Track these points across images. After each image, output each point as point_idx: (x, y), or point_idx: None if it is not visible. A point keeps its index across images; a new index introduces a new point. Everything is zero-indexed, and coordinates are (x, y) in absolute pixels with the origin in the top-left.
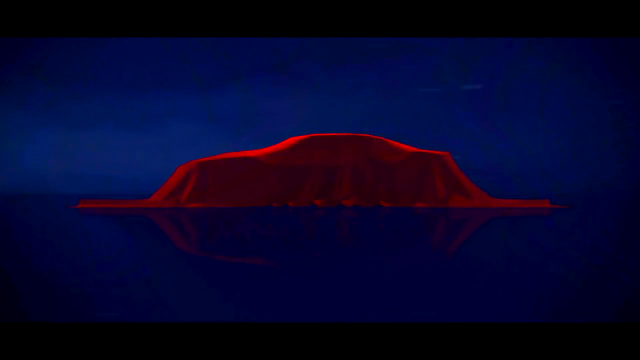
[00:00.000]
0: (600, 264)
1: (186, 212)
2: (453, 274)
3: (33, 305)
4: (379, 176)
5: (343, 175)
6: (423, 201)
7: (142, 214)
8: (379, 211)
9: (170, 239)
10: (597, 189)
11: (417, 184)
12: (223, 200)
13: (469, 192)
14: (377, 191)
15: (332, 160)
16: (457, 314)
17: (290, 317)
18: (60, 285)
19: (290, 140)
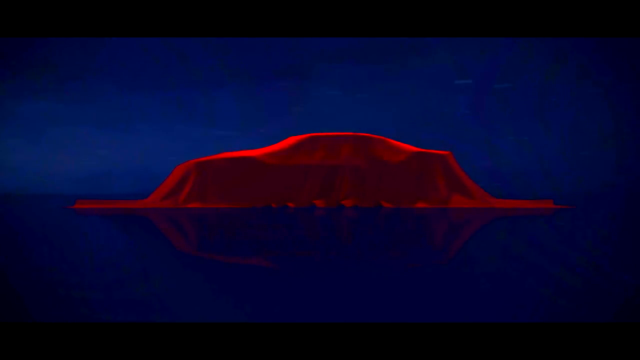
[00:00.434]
0: (612, 264)
1: (184, 213)
2: (458, 275)
3: (19, 305)
4: (379, 176)
5: (343, 175)
6: (424, 201)
7: (139, 214)
8: (379, 212)
9: (169, 240)
10: (597, 189)
11: (418, 184)
12: (222, 200)
13: (471, 193)
14: (378, 191)
15: (332, 160)
16: (463, 315)
17: (291, 317)
18: (49, 285)
19: (290, 140)
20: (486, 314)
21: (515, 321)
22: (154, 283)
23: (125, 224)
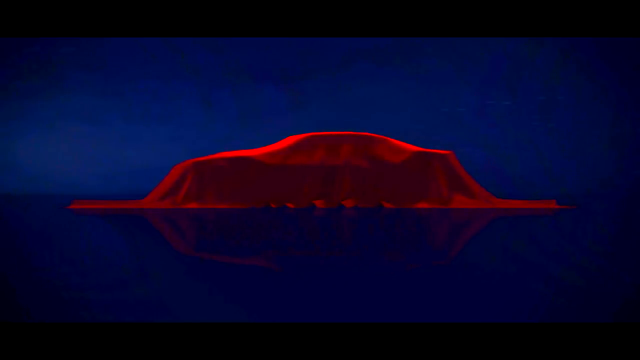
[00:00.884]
0: (614, 263)
1: (181, 213)
2: (459, 275)
3: (7, 306)
4: (380, 176)
5: (343, 175)
6: (426, 202)
7: (136, 214)
8: (380, 212)
9: (165, 240)
10: (598, 189)
11: (420, 184)
12: (220, 200)
13: (473, 193)
14: (379, 191)
15: (332, 160)
16: (464, 315)
17: (291, 317)
18: (39, 286)
19: (289, 140)
20: (487, 314)
21: (516, 321)
22: (152, 283)
23: (119, 225)
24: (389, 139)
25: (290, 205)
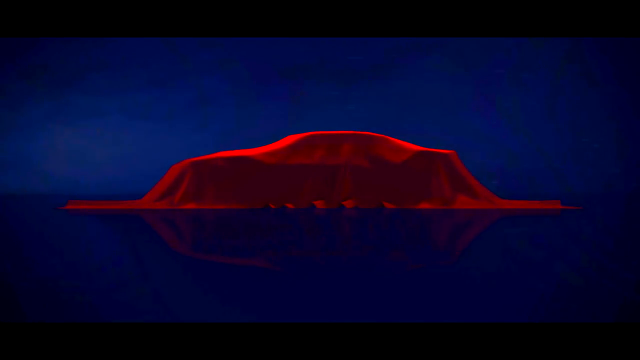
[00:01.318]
0: (617, 263)
1: (178, 214)
2: (461, 276)
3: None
4: (381, 176)
5: (344, 175)
6: (428, 202)
7: (132, 214)
8: (381, 212)
9: (162, 240)
10: (599, 189)
11: (422, 184)
12: (218, 201)
13: (476, 193)
14: (380, 192)
15: (333, 160)
16: (465, 315)
17: (291, 317)
18: (29, 286)
19: (289, 139)
20: (488, 314)
21: (518, 321)
22: (151, 284)
23: (114, 226)
24: (390, 138)
25: (289, 205)
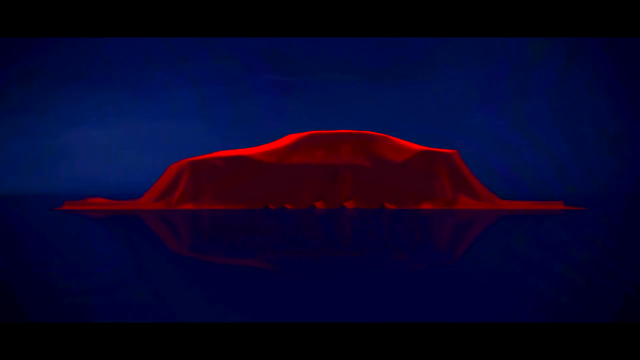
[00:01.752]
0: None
1: (176, 214)
2: (462, 276)
3: None
4: (382, 176)
5: (345, 175)
6: (429, 202)
7: (130, 215)
8: (383, 213)
9: (160, 241)
10: (600, 189)
11: (423, 185)
12: (216, 201)
13: (478, 193)
14: (381, 192)
15: (333, 160)
16: (466, 315)
17: (293, 317)
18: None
19: (289, 138)
20: (488, 314)
21: (520, 321)
22: (148, 285)
23: (109, 228)
24: (390, 137)
25: (289, 206)
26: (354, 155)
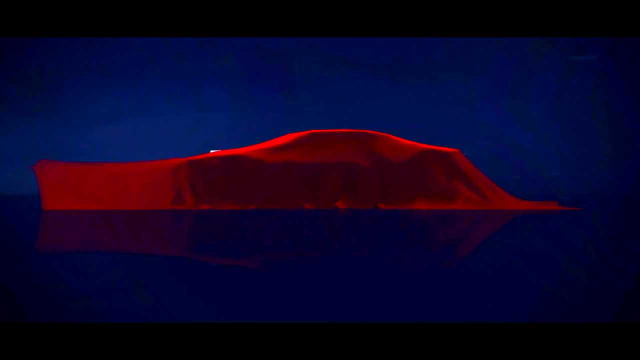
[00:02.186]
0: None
1: (173, 215)
2: (463, 277)
3: None
4: (382, 176)
5: (345, 175)
6: (430, 202)
7: (120, 216)
8: (382, 213)
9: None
10: (600, 189)
11: (423, 184)
12: (215, 201)
13: (477, 193)
14: (381, 192)
15: (333, 159)
16: (467, 315)
17: (292, 317)
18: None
19: (288, 137)
20: (489, 314)
21: (520, 321)
22: (149, 285)
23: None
24: (390, 136)
25: (288, 206)
26: (355, 155)
